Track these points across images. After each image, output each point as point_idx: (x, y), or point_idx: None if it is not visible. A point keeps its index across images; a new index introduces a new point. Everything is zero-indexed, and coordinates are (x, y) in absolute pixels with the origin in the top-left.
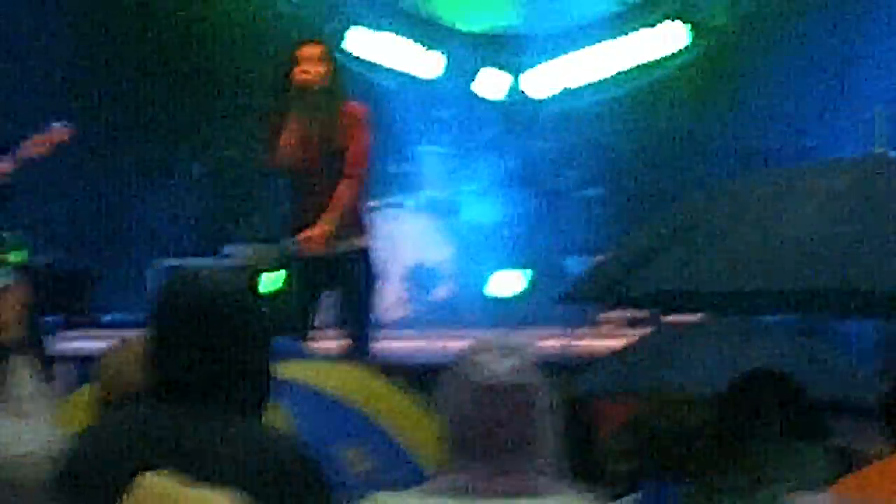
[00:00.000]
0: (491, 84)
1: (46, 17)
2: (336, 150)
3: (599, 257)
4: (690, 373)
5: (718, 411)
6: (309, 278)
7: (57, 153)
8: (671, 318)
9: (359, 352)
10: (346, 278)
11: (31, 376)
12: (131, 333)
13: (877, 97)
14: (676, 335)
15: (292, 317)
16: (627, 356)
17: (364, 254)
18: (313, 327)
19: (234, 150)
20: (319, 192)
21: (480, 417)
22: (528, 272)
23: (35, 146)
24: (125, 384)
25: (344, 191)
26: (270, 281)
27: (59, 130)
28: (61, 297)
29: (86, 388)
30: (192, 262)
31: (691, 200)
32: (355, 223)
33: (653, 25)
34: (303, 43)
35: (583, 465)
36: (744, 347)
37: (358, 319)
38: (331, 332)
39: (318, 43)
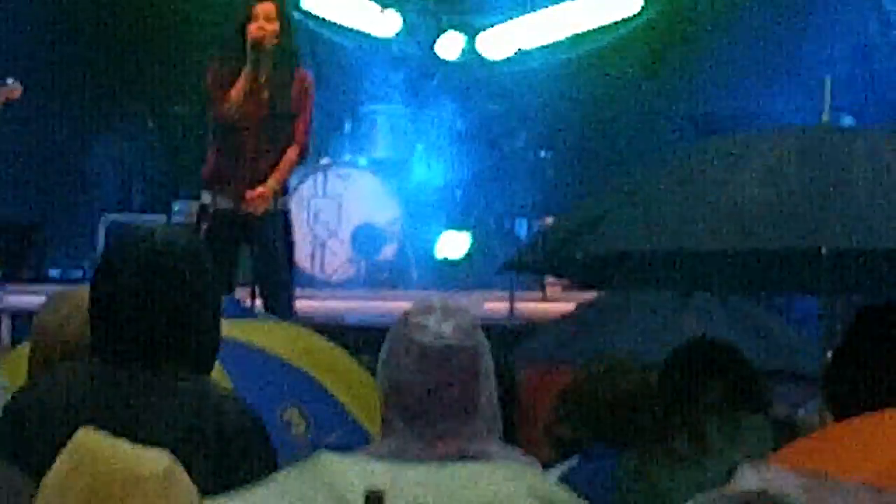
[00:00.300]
0: (446, 44)
1: None
2: (284, 113)
3: (548, 220)
4: (627, 341)
5: (660, 379)
6: (230, 234)
7: (5, 107)
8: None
9: (281, 310)
10: (268, 236)
11: None
12: (76, 288)
13: (828, 64)
14: (614, 304)
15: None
16: (564, 325)
17: (284, 214)
18: (235, 284)
19: (186, 106)
20: (258, 151)
21: (422, 379)
22: (471, 234)
23: None
24: (63, 341)
25: (293, 156)
26: None
27: (10, 87)
28: (6, 250)
29: (27, 344)
30: (141, 217)
31: (637, 166)
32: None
33: None
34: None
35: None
36: (682, 315)
37: (280, 278)
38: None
39: (273, 1)
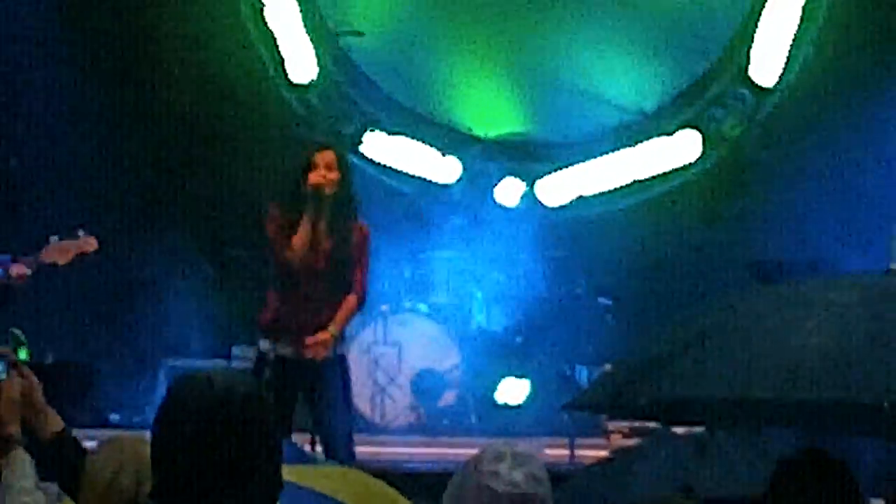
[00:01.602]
0: (505, 191)
1: (73, 120)
2: (345, 261)
3: (608, 366)
4: (641, 487)
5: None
6: (290, 381)
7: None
8: (678, 429)
9: (341, 455)
10: (327, 382)
11: (31, 471)
12: (137, 433)
13: (891, 215)
14: (631, 453)
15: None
16: (579, 480)
17: (342, 359)
18: (293, 430)
19: (244, 250)
20: (319, 299)
21: None
22: (531, 381)
23: (59, 252)
24: (117, 491)
25: (352, 304)
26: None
27: (85, 240)
28: (67, 394)
29: None
30: (200, 363)
31: (701, 311)
32: None
33: (667, 135)
34: (318, 148)
35: None
36: (700, 458)
37: (340, 423)
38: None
39: (333, 149)
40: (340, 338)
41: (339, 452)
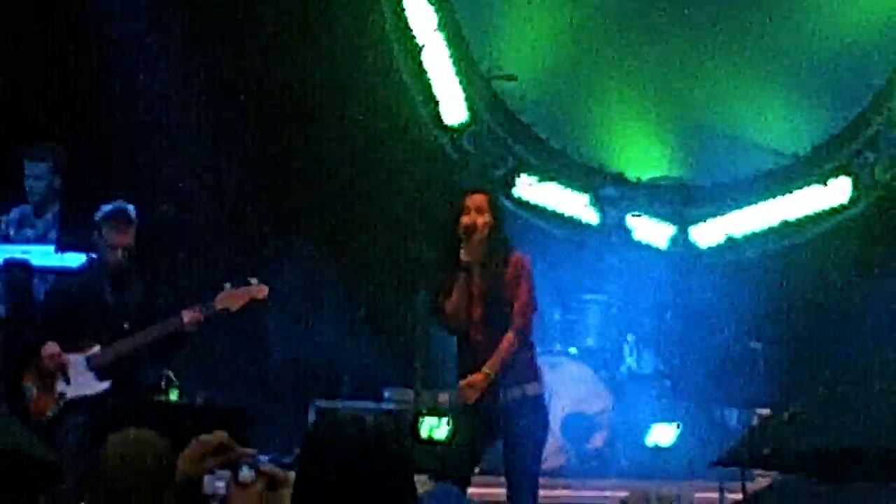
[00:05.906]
0: (656, 233)
1: (226, 168)
2: (500, 301)
3: (757, 410)
4: None
5: None
6: (476, 425)
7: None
8: None
9: (522, 501)
10: (514, 427)
11: None
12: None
13: None
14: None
15: (457, 463)
16: None
17: (536, 401)
18: (478, 473)
19: (397, 293)
20: (483, 341)
21: None
22: (681, 424)
23: (231, 299)
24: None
25: (508, 340)
26: (432, 426)
27: (257, 287)
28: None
29: None
30: (350, 404)
31: (839, 363)
32: (525, 371)
33: (820, 180)
34: (470, 191)
35: None
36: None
37: (524, 469)
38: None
39: (485, 192)
40: (532, 377)
41: (521, 498)
